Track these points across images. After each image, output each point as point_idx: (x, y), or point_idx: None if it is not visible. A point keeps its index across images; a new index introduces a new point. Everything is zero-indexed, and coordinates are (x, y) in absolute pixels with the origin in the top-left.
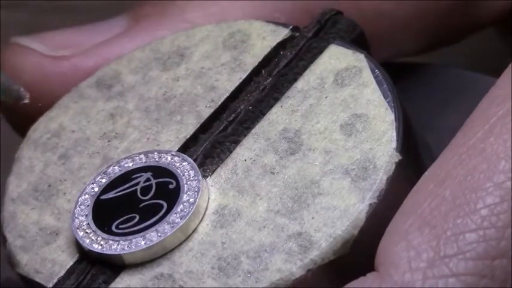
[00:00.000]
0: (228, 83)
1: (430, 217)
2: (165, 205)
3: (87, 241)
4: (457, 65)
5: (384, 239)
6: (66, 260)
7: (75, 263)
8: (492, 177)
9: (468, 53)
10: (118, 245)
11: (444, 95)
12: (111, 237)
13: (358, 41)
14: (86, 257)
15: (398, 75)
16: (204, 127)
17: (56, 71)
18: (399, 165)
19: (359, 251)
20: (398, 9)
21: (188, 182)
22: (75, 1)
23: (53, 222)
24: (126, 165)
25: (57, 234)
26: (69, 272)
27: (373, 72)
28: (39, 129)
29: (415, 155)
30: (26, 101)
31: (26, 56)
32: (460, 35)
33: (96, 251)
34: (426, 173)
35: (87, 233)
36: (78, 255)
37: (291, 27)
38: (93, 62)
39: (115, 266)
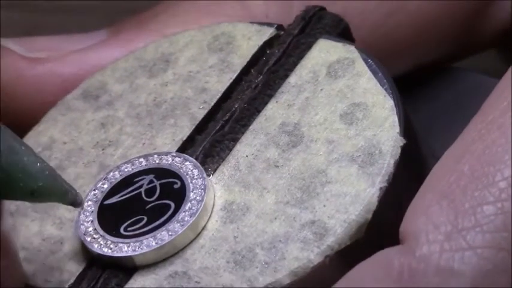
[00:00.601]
0: (218, 84)
1: (449, 191)
2: (173, 205)
3: (96, 246)
4: (477, 69)
5: (406, 215)
6: (74, 267)
7: (84, 269)
8: (510, 150)
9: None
10: (129, 247)
11: (457, 98)
12: (121, 240)
13: (343, 35)
14: (95, 263)
15: (414, 77)
16: (200, 128)
17: (31, 73)
18: (404, 149)
19: (374, 235)
20: (396, 29)
21: (193, 181)
22: (74, 1)
23: (56, 232)
24: (126, 169)
25: (61, 243)
26: (80, 278)
27: (366, 62)
28: (29, 144)
29: (415, 146)
30: (81, 208)
31: (3, 57)
32: (463, 53)
33: (107, 254)
34: (447, 151)
35: (94, 238)
36: (86, 261)
37: (276, 25)
38: (69, 68)
39: (126, 268)
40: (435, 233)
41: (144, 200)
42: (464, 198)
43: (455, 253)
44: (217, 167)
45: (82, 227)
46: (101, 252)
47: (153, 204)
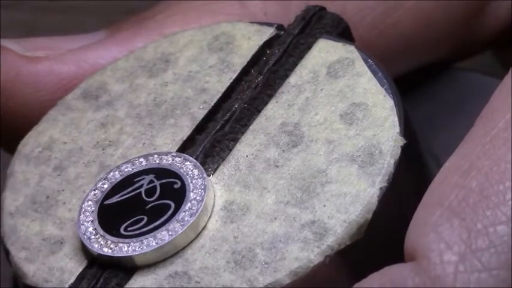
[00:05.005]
0: (218, 84)
1: (458, 209)
2: (173, 205)
3: (96, 246)
4: (477, 69)
5: (411, 231)
6: (75, 266)
7: (84, 269)
8: None
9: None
10: (129, 246)
11: (457, 98)
12: (121, 239)
13: (344, 35)
14: (95, 262)
15: (414, 77)
16: (200, 128)
17: (30, 71)
18: (404, 149)
19: (374, 235)
20: (395, 28)
21: (193, 181)
22: (75, 1)
23: (56, 232)
24: (126, 169)
25: (62, 243)
26: (80, 277)
27: (366, 62)
28: (30, 144)
29: (415, 145)
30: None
31: (1, 55)
32: (462, 53)
33: (107, 254)
34: (447, 164)
35: (95, 238)
36: (86, 261)
37: (276, 25)
38: (68, 67)
39: (126, 268)
40: (448, 253)
41: (144, 200)
42: (476, 217)
43: (470, 275)
44: (218, 167)
45: (82, 227)
46: (101, 252)
47: (153, 204)
